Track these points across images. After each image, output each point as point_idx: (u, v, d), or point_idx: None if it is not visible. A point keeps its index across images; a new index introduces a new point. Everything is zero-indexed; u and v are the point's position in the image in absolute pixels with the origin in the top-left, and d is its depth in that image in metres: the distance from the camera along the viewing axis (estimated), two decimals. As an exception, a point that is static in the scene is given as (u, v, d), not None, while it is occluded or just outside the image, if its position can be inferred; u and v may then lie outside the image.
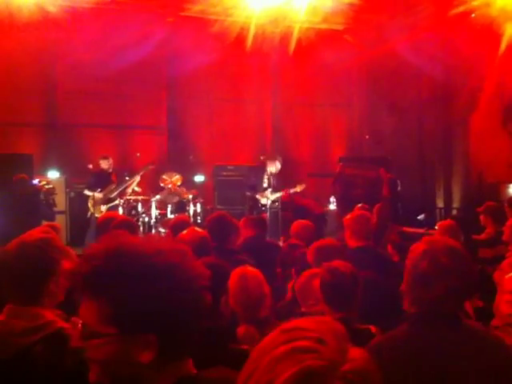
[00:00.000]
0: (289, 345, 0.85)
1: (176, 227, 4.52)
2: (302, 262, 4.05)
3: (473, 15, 9.97)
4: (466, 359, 1.98)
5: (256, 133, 13.28)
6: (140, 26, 10.99)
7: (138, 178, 9.77)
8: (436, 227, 5.57)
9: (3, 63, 10.70)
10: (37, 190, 8.39)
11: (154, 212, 9.68)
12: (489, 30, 9.62)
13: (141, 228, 9.41)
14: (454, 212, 11.43)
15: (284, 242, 6.82)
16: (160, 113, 12.47)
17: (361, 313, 2.94)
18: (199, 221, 9.75)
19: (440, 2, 10.74)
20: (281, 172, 11.70)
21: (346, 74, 13.75)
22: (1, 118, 10.91)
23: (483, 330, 2.22)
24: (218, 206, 10.86)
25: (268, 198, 9.99)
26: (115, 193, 9.70)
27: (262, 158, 11.13)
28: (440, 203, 12.02)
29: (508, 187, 10.31)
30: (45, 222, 6.82)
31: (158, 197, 9.84)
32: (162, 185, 10.20)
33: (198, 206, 10.06)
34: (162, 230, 9.20)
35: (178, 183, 10.27)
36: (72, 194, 10.68)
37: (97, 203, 9.57)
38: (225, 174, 11.53)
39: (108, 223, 4.62)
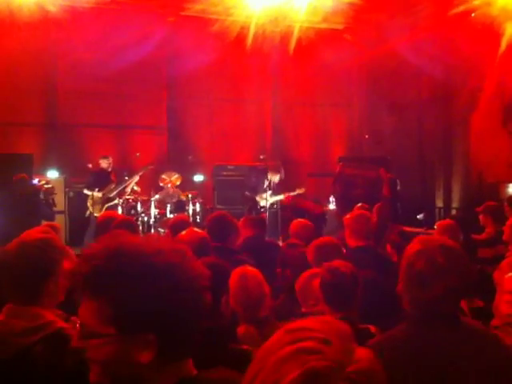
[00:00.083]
0: (294, 345, 0.85)
1: (175, 227, 4.52)
2: (300, 262, 4.05)
3: (473, 15, 9.97)
4: (466, 359, 1.98)
5: (256, 133, 13.27)
6: (140, 26, 11.00)
7: (136, 178, 9.77)
8: (435, 227, 5.56)
9: (3, 63, 10.70)
10: (37, 189, 8.39)
11: (153, 212, 9.67)
12: (489, 30, 9.62)
13: (140, 228, 9.40)
14: (454, 212, 11.42)
15: (283, 241, 6.82)
16: (160, 113, 12.47)
17: (360, 312, 2.94)
18: (198, 220, 9.75)
19: (440, 2, 10.74)
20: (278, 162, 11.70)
21: (345, 73, 13.74)
22: (1, 117, 10.91)
23: (482, 328, 2.22)
24: (218, 206, 10.86)
25: (267, 201, 9.99)
26: (114, 192, 9.70)
27: (261, 157, 11.13)
28: (440, 203, 12.02)
29: (508, 187, 10.31)
30: (44, 222, 6.82)
31: (157, 196, 9.84)
32: (161, 184, 10.20)
33: (198, 205, 10.06)
34: (162, 230, 9.20)
35: (178, 183, 10.27)
36: (71, 194, 10.67)
37: (96, 203, 9.57)
38: (224, 173, 11.53)
39: (108, 223, 4.61)
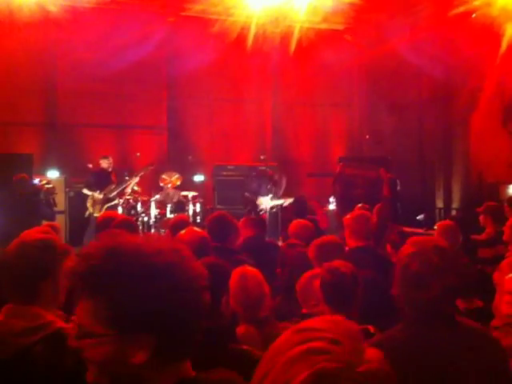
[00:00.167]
0: (303, 346, 0.85)
1: (175, 227, 4.52)
2: (298, 262, 4.05)
3: (473, 15, 9.97)
4: (464, 358, 1.98)
5: (256, 133, 13.27)
6: (140, 26, 11.00)
7: (136, 179, 9.77)
8: (435, 227, 5.56)
9: (3, 63, 10.70)
10: (37, 189, 8.39)
11: (154, 212, 9.67)
12: (489, 30, 9.62)
13: (140, 228, 9.40)
14: (454, 212, 11.42)
15: (283, 241, 6.82)
16: (160, 113, 12.47)
17: (359, 312, 2.94)
18: (199, 221, 9.75)
19: (440, 2, 10.74)
20: (281, 172, 11.74)
21: (346, 73, 13.75)
22: (1, 117, 10.91)
23: (478, 327, 2.23)
24: (218, 206, 10.86)
25: (267, 204, 9.98)
26: (114, 193, 9.69)
27: (262, 157, 11.15)
28: (440, 203, 12.02)
29: (508, 187, 10.30)
30: (45, 222, 6.82)
31: (157, 197, 9.84)
32: (161, 184, 10.20)
33: (198, 205, 10.06)
34: (162, 230, 9.20)
35: (178, 183, 10.27)
36: (71, 194, 10.67)
37: (96, 203, 9.57)
38: (224, 173, 11.53)
39: (108, 223, 4.61)
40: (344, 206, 8.89)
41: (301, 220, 5.62)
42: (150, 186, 10.41)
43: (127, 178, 9.80)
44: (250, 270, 3.13)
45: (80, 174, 10.51)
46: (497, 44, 10.00)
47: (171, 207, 9.72)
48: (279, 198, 10.36)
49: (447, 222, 5.46)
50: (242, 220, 5.51)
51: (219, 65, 11.97)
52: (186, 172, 10.99)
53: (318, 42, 11.93)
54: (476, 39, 9.92)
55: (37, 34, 10.65)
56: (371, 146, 13.39)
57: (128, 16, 11.16)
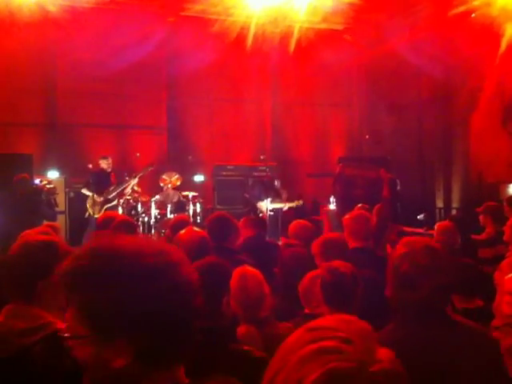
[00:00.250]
0: (315, 345, 0.84)
1: (175, 227, 4.52)
2: (293, 262, 4.05)
3: (473, 15, 9.97)
4: (459, 356, 1.99)
5: (256, 133, 13.28)
6: (140, 26, 11.00)
7: (135, 180, 9.76)
8: (435, 227, 5.58)
9: (3, 63, 10.70)
10: (38, 189, 8.38)
11: (154, 212, 9.67)
12: (489, 30, 9.62)
13: (140, 228, 9.40)
14: (454, 212, 11.42)
15: (283, 242, 6.82)
16: (160, 113, 12.47)
17: (358, 313, 2.93)
18: (199, 221, 9.74)
19: (440, 2, 10.74)
20: (280, 173, 11.74)
21: (345, 73, 13.75)
22: (1, 117, 10.91)
23: (474, 326, 2.24)
24: (218, 206, 10.86)
25: (267, 208, 9.98)
26: (113, 194, 9.69)
27: (262, 157, 11.14)
28: (440, 203, 12.02)
29: (508, 187, 10.30)
30: (45, 222, 6.82)
31: (157, 197, 9.83)
32: (161, 185, 10.19)
33: (198, 205, 10.05)
34: (162, 230, 9.19)
35: (178, 183, 10.27)
36: (71, 194, 10.67)
37: (95, 204, 9.57)
38: (224, 173, 11.53)
39: (108, 223, 4.62)
40: (344, 206, 8.88)
41: (300, 220, 5.62)
42: (150, 186, 10.40)
43: (127, 178, 9.80)
44: (250, 270, 3.13)
45: (80, 175, 10.50)
46: (496, 44, 10.00)
47: (171, 207, 9.72)
48: (280, 202, 10.37)
49: (445, 222, 5.48)
50: (242, 220, 5.51)
51: (219, 65, 11.98)
52: (186, 172, 10.99)
53: (317, 41, 11.93)
54: (476, 39, 9.93)
55: (37, 34, 10.65)
56: (371, 145, 13.39)
57: (128, 16, 11.16)
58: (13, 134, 11.12)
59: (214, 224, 4.57)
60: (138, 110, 12.10)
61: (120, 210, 9.44)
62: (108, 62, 10.73)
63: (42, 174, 10.18)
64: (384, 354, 0.86)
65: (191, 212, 9.86)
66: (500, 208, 6.24)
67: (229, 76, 12.44)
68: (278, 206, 10.24)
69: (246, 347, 2.46)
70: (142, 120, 12.25)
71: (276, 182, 10.77)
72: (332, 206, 11.12)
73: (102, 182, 9.68)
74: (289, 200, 10.44)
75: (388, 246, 5.21)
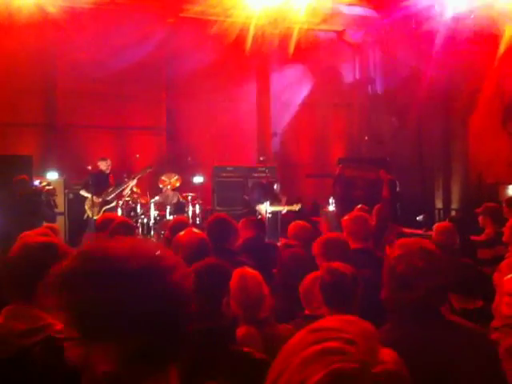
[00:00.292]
0: (318, 346, 0.84)
1: (175, 228, 4.52)
2: (292, 262, 4.05)
3: (472, 16, 9.98)
4: (454, 357, 2.00)
5: (255, 134, 13.27)
6: (140, 26, 11.00)
7: (134, 181, 9.75)
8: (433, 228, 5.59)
9: (3, 63, 10.69)
10: (38, 190, 8.38)
11: (153, 213, 9.66)
12: (489, 31, 9.63)
13: (140, 229, 9.40)
14: (453, 213, 11.43)
15: (283, 242, 6.82)
16: (159, 113, 12.46)
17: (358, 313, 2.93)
18: (198, 222, 9.74)
19: (439, 2, 10.75)
20: (280, 174, 11.74)
21: (345, 74, 13.75)
22: (0, 118, 10.90)
23: (471, 326, 2.24)
24: (217, 207, 10.85)
25: (266, 210, 9.99)
26: (112, 195, 9.69)
27: (261, 159, 11.14)
28: (439, 204, 12.03)
29: (507, 188, 10.31)
30: (45, 223, 6.82)
31: (156, 198, 9.83)
32: (161, 186, 10.19)
33: (197, 207, 10.05)
34: (161, 232, 9.19)
35: (177, 184, 10.26)
36: (71, 196, 10.65)
37: (94, 205, 9.56)
38: (224, 174, 11.52)
39: (107, 224, 4.62)
40: (344, 207, 8.89)
41: (299, 221, 5.62)
42: (150, 187, 10.40)
43: (126, 179, 9.79)
44: (250, 271, 3.13)
45: (79, 176, 10.49)
46: (496, 44, 10.01)
47: (170, 209, 9.71)
48: (279, 205, 10.38)
49: (444, 223, 5.49)
50: (241, 221, 5.51)
51: (218, 66, 11.97)
52: (186, 173, 10.98)
53: (317, 43, 11.94)
54: (476, 40, 9.94)
55: (36, 35, 10.64)
56: (370, 147, 13.39)
57: (127, 17, 11.16)
58: (12, 135, 11.10)
59: (214, 226, 4.57)
60: (137, 110, 12.09)
61: (119, 212, 9.44)
62: (108, 63, 10.74)
63: (41, 176, 10.16)
64: (387, 354, 0.86)
65: (190, 213, 9.86)
66: (499, 209, 6.25)
67: (228, 77, 12.43)
68: (276, 209, 10.25)
69: (246, 349, 2.46)
70: (142, 121, 12.23)
71: (275, 186, 10.77)
72: (331, 208, 11.13)
73: (100, 184, 9.67)
74: (288, 203, 10.45)
75: (387, 247, 5.21)
